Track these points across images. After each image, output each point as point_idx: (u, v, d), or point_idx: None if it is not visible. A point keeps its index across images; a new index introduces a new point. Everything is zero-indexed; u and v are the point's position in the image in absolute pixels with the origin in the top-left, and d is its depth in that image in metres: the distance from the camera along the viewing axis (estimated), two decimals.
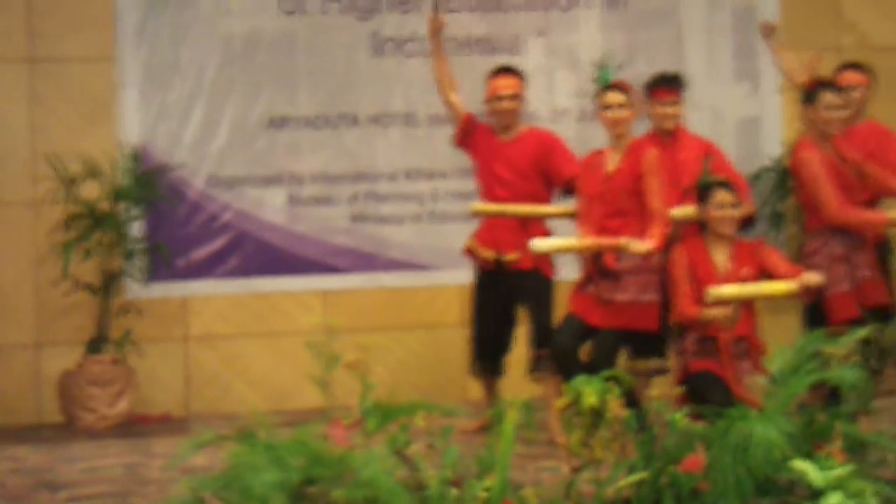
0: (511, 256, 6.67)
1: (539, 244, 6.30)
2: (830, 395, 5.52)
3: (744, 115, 8.36)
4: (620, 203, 6.23)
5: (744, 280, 5.93)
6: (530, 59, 7.80)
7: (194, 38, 7.87)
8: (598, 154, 6.38)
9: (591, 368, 5.79)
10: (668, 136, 6.56)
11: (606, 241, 6.14)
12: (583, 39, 8.16)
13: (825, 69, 6.90)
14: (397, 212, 8.05)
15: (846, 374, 5.20)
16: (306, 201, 7.97)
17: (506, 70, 6.87)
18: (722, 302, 5.82)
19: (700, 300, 5.87)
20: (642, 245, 6.04)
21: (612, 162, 6.28)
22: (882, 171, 6.44)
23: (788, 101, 7.83)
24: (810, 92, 6.38)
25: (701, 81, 8.12)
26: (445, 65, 6.98)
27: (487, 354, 6.91)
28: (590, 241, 6.20)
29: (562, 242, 6.40)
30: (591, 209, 6.29)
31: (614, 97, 6.28)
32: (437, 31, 7.01)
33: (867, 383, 5.36)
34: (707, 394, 5.64)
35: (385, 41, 8.09)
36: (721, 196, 6.02)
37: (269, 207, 7.92)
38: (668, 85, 6.59)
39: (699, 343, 5.94)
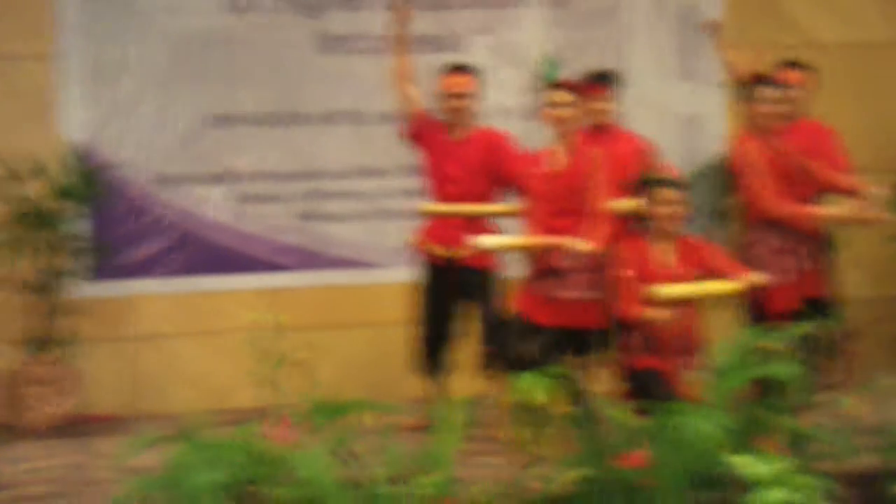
0: (461, 253, 6.68)
1: (484, 241, 6.32)
2: (768, 389, 5.56)
3: (687, 112, 8.39)
4: (565, 202, 6.24)
5: (689, 278, 5.96)
6: (474, 57, 7.77)
7: (140, 35, 7.82)
8: (544, 153, 6.39)
9: (538, 366, 5.81)
10: (602, 132, 6.61)
11: (551, 240, 6.16)
12: (526, 37, 8.17)
13: (767, 67, 6.95)
14: (344, 210, 8.04)
15: (785, 368, 5.25)
16: (252, 199, 7.95)
17: (459, 68, 6.87)
18: (669, 301, 5.85)
19: (645, 298, 5.90)
20: (585, 245, 6.06)
21: (557, 161, 6.30)
22: (822, 166, 6.49)
23: (731, 98, 7.88)
24: (749, 87, 6.43)
25: (645, 80, 8.17)
26: (407, 57, 6.95)
27: (434, 351, 6.92)
28: (534, 239, 6.23)
29: (507, 240, 6.43)
30: (537, 208, 6.30)
31: (559, 95, 6.30)
32: (403, 22, 6.97)
33: (807, 378, 5.42)
34: (652, 391, 5.67)
35: (332, 39, 8.07)
36: (666, 193, 6.05)
37: (215, 206, 7.89)
38: (601, 81, 6.64)
39: (643, 340, 5.98)
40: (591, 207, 6.18)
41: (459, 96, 6.76)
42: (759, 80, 6.44)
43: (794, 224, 6.33)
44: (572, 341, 6.32)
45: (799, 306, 6.15)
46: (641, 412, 5.34)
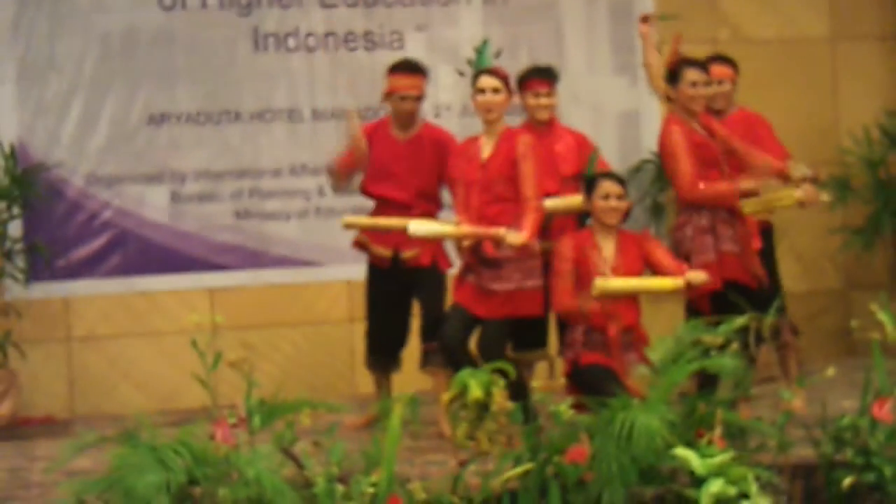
0: (409, 254, 6.60)
1: (417, 228, 6.22)
2: (705, 381, 5.60)
3: (623, 108, 8.44)
4: (497, 189, 6.19)
5: (629, 273, 5.97)
6: (412, 54, 7.77)
7: (71, 33, 7.75)
8: (473, 141, 6.35)
9: (479, 360, 5.81)
10: (542, 127, 6.59)
11: (483, 231, 6.10)
12: (463, 34, 8.16)
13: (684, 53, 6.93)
14: (282, 208, 8.01)
15: (725, 361, 5.28)
16: (189, 198, 7.90)
17: (409, 68, 6.67)
18: (606, 294, 5.85)
19: (585, 292, 5.89)
20: (517, 237, 6.00)
21: (487, 148, 6.27)
22: (750, 146, 6.45)
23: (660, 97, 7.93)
24: (674, 70, 6.39)
25: (581, 76, 8.22)
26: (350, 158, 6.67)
27: (383, 348, 6.86)
28: (468, 229, 6.15)
29: (439, 228, 6.30)
30: (469, 197, 6.25)
31: (488, 81, 6.25)
32: (358, 139, 6.62)
33: (746, 370, 5.46)
34: (600, 386, 5.63)
35: (266, 36, 8.04)
36: (607, 187, 6.05)
37: (151, 205, 7.83)
38: (540, 76, 6.61)
39: (587, 335, 5.97)
40: (521, 194, 6.15)
41: (410, 99, 6.63)
42: (683, 62, 6.40)
43: (717, 204, 6.27)
44: (513, 332, 6.29)
45: (720, 287, 6.10)
46: (581, 407, 5.36)
